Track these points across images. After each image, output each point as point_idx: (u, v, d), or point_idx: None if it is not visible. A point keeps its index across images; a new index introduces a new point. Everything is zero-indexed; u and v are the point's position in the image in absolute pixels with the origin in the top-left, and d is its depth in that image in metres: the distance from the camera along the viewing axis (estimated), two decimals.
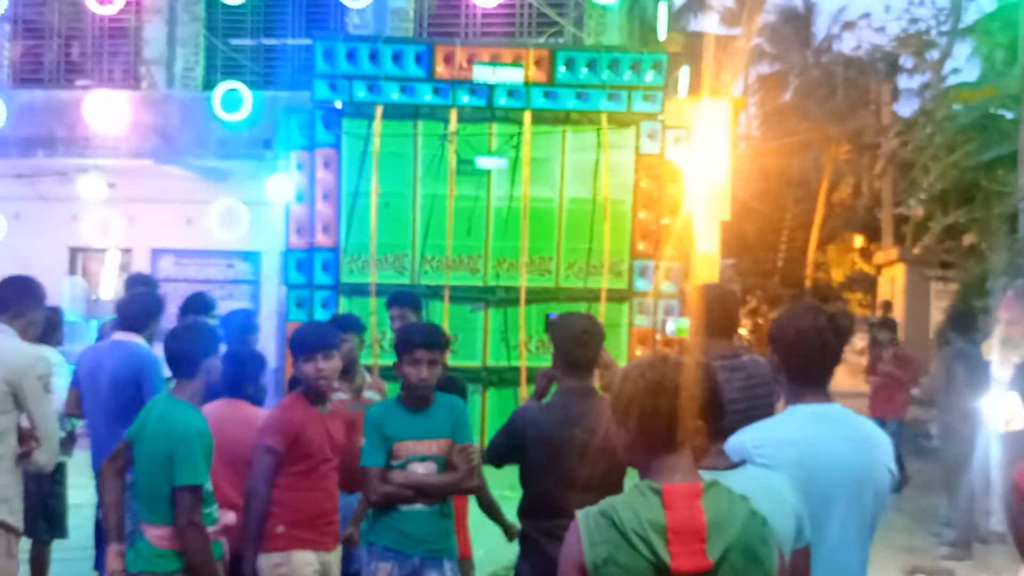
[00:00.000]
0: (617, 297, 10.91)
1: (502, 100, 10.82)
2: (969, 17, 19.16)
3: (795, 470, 2.68)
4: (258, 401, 4.59)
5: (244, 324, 5.87)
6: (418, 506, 4.19)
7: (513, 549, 4.10)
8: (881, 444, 2.93)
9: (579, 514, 2.23)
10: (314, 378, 4.27)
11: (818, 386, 2.91)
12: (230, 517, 4.14)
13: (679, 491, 2.17)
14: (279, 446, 4.19)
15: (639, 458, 2.30)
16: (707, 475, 2.33)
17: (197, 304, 6.18)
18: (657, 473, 2.24)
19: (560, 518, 3.75)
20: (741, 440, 2.74)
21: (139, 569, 3.91)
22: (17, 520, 4.29)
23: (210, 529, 3.93)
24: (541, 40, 12.65)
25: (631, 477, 3.02)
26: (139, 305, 5.61)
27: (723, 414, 2.42)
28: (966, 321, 8.32)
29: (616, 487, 3.85)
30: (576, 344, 3.92)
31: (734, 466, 2.53)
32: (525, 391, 10.60)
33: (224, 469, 4.26)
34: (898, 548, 7.48)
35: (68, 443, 5.90)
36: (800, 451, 2.77)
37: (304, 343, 4.30)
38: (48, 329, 6.18)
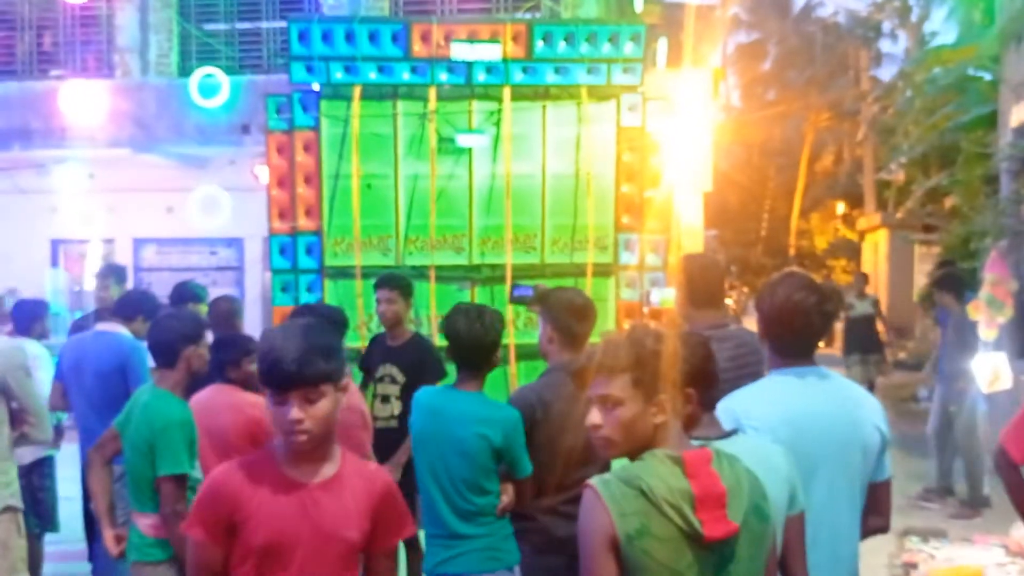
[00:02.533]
0: (603, 271, 10.89)
1: (481, 77, 10.75)
2: None
3: (782, 430, 2.70)
4: (250, 386, 4.56)
5: (228, 310, 5.84)
6: None
7: None
8: (868, 404, 2.95)
9: (597, 484, 2.15)
10: (287, 431, 2.47)
11: (801, 353, 2.93)
12: None
13: (697, 459, 2.17)
14: (200, 535, 2.55)
15: None
16: (699, 444, 2.33)
17: (186, 293, 6.16)
18: (666, 441, 2.22)
19: (562, 493, 3.73)
20: (729, 405, 2.75)
21: (133, 558, 3.91)
22: (18, 501, 4.33)
23: None
24: (518, 15, 12.58)
25: None
26: (134, 298, 5.59)
27: (714, 383, 2.42)
28: (957, 282, 8.32)
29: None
30: (578, 317, 3.90)
31: (726, 435, 2.53)
32: (514, 368, 10.60)
33: (215, 456, 4.25)
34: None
35: (56, 436, 5.87)
36: (786, 411, 2.79)
37: (271, 374, 2.47)
38: (31, 322, 6.15)
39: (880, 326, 13.17)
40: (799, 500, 2.55)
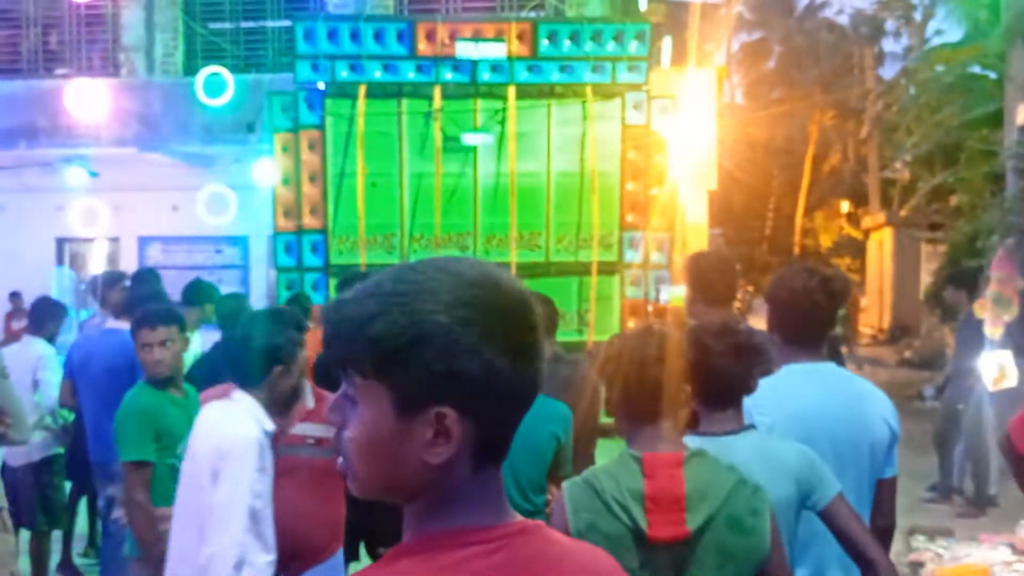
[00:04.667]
0: (607, 270, 10.92)
1: (486, 76, 10.77)
2: None
3: (794, 425, 2.71)
4: None
5: (235, 308, 5.83)
6: None
7: None
8: (877, 398, 2.96)
9: (565, 484, 2.26)
10: None
11: (811, 347, 2.94)
12: None
13: (659, 460, 2.18)
14: None
15: (624, 427, 2.32)
16: (700, 442, 2.33)
17: (202, 292, 6.18)
18: (640, 442, 2.25)
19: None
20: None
21: (130, 554, 3.94)
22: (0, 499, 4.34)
23: None
24: (523, 13, 12.58)
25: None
26: (144, 296, 5.60)
27: (717, 380, 2.43)
28: (971, 279, 8.31)
29: (589, 447, 3.92)
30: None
31: (730, 432, 2.52)
32: None
33: None
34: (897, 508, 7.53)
35: (63, 435, 5.88)
36: (798, 406, 2.80)
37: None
38: (45, 321, 6.16)
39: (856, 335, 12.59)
40: (821, 492, 2.49)
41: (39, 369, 5.76)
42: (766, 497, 2.24)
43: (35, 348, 5.86)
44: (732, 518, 2.17)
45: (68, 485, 6.20)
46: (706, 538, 2.15)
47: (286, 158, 10.83)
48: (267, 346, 3.21)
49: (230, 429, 3.11)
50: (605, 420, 4.32)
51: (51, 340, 6.08)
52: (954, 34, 17.56)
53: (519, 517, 1.21)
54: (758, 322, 3.63)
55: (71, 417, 5.83)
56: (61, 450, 5.95)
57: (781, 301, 2.95)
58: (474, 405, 1.12)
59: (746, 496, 2.20)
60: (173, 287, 6.77)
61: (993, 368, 7.39)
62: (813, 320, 2.92)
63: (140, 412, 3.87)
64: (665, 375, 2.23)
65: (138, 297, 5.60)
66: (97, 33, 13.84)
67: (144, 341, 3.97)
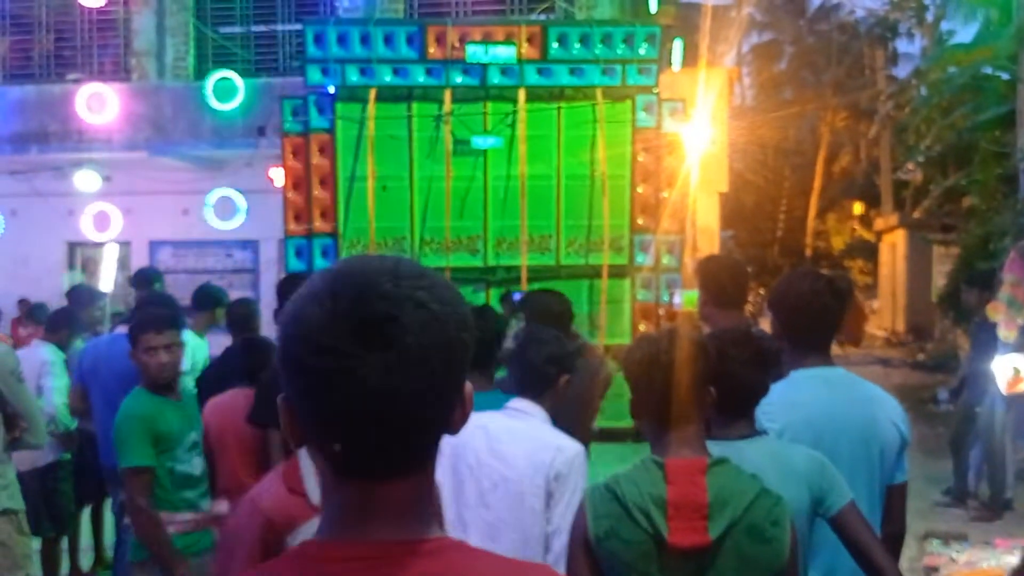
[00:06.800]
0: (618, 273, 10.88)
1: (496, 79, 10.76)
2: None
3: (804, 431, 2.69)
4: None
5: (246, 313, 5.82)
6: None
7: None
8: (886, 403, 2.94)
9: (586, 489, 2.26)
10: None
11: (820, 350, 2.93)
12: (223, 507, 4.11)
13: (682, 466, 2.16)
14: None
15: (647, 431, 2.30)
16: (718, 446, 2.31)
17: (210, 298, 6.18)
18: (663, 447, 2.23)
19: None
20: None
21: (131, 559, 3.96)
22: (17, 503, 4.37)
23: (191, 515, 3.93)
24: (533, 16, 12.57)
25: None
26: (154, 302, 5.60)
27: (738, 388, 2.41)
28: (989, 280, 8.24)
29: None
30: (555, 321, 4.10)
31: (746, 436, 2.51)
32: None
33: (241, 458, 4.23)
34: (909, 512, 7.47)
35: (67, 441, 5.87)
36: (807, 412, 2.78)
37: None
38: (60, 327, 6.17)
39: None
40: (832, 499, 2.49)
41: (42, 375, 5.77)
42: (788, 508, 2.22)
43: (41, 353, 5.86)
44: (753, 527, 2.15)
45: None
46: (726, 546, 2.13)
47: (296, 162, 10.84)
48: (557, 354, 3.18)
49: (559, 443, 2.98)
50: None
51: (63, 347, 6.08)
52: (966, 35, 17.50)
53: (432, 536, 1.10)
54: (769, 325, 3.61)
55: (74, 424, 5.83)
56: (68, 456, 5.95)
57: (789, 306, 2.93)
58: (298, 403, 1.07)
59: (768, 506, 2.18)
60: (183, 291, 6.79)
61: (1007, 371, 7.33)
62: (823, 322, 2.91)
63: (138, 418, 3.87)
64: (688, 379, 2.22)
65: (151, 303, 5.60)
66: (108, 38, 13.89)
67: (149, 344, 3.93)
